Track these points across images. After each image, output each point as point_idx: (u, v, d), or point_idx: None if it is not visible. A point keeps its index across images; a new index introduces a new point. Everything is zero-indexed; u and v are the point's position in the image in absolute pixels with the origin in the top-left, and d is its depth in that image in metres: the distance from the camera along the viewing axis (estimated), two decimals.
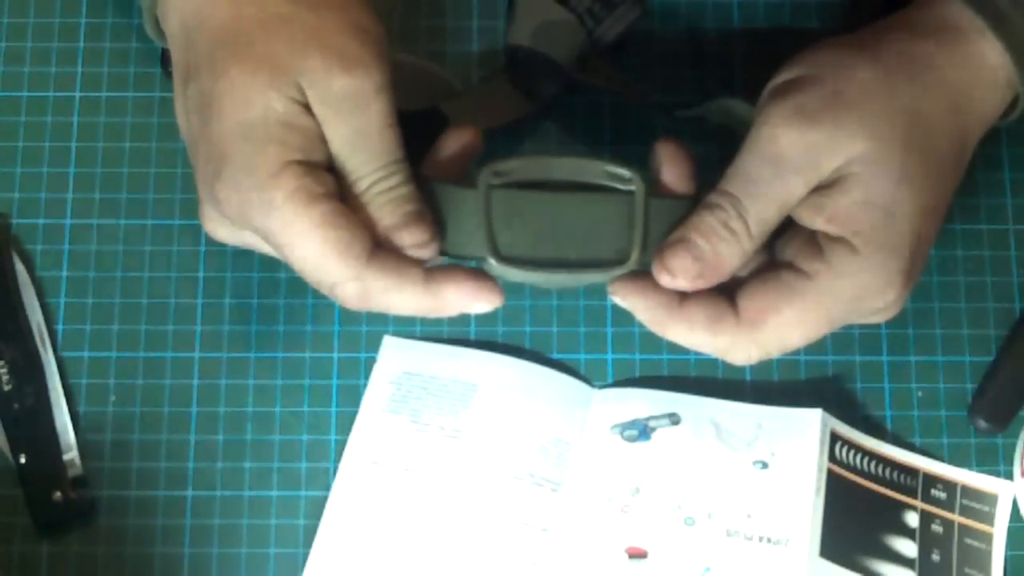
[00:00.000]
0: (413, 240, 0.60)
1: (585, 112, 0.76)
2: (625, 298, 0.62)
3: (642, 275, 0.61)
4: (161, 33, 0.64)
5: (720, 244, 0.60)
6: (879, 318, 0.63)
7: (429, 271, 0.61)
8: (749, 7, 0.78)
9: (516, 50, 0.73)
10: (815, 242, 0.61)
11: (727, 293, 0.62)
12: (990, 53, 0.62)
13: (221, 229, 0.63)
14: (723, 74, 0.77)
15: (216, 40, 0.60)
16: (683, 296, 0.61)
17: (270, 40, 0.59)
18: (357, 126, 0.59)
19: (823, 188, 0.60)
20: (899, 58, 0.61)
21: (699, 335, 0.61)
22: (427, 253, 0.61)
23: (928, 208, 0.61)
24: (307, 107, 0.59)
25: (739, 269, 0.61)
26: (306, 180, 0.58)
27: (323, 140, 0.60)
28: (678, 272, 0.60)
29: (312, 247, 0.59)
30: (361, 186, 0.60)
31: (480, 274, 0.61)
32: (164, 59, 0.76)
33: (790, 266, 0.61)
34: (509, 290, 0.62)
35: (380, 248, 0.60)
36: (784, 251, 0.63)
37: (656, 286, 0.61)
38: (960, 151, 0.62)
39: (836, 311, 0.61)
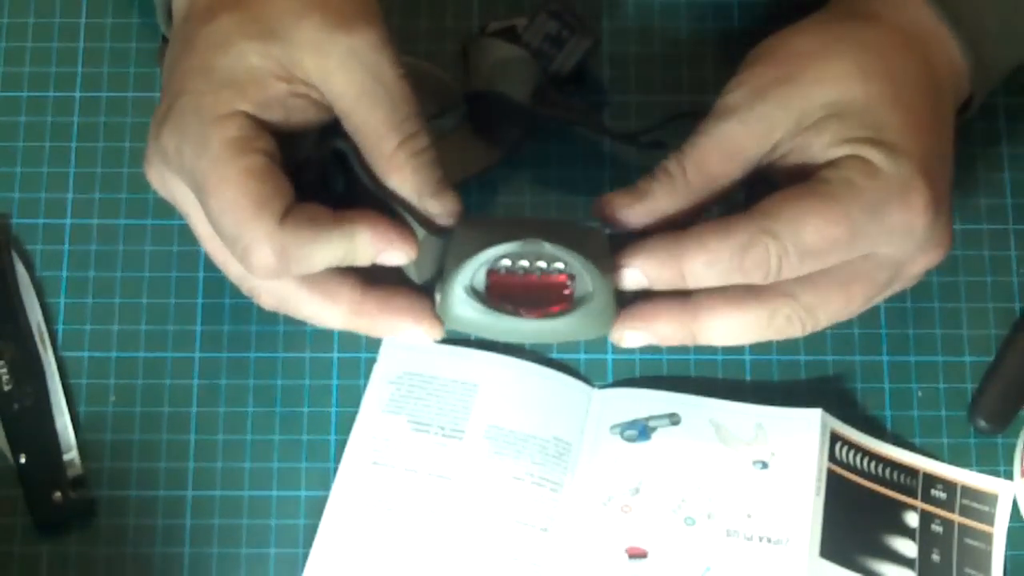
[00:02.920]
0: (447, 208, 0.60)
1: (559, 162, 0.76)
2: (631, 259, 0.60)
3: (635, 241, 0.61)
4: (170, 22, 0.65)
5: (653, 183, 0.61)
6: (927, 257, 0.62)
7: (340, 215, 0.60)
8: (725, 7, 0.79)
9: (475, 96, 0.73)
10: (828, 163, 0.60)
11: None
12: (930, 15, 0.63)
13: (155, 172, 0.62)
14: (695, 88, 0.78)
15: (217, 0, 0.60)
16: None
17: (270, 1, 0.59)
18: (370, 77, 0.59)
19: (799, 136, 0.60)
20: (840, 14, 0.63)
21: (712, 240, 0.59)
22: (454, 221, 0.61)
23: (918, 124, 0.60)
24: (285, 72, 0.59)
25: (673, 211, 0.61)
26: (248, 132, 0.58)
27: (285, 108, 0.59)
28: (612, 201, 0.61)
29: (231, 195, 0.57)
30: (389, 144, 0.59)
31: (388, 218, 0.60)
32: (162, 56, 0.76)
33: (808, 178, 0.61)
34: None
35: (294, 209, 0.58)
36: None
37: (665, 209, 0.61)
38: (929, 79, 0.62)
39: (857, 213, 0.59)
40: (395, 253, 0.60)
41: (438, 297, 0.61)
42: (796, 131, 0.60)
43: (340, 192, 0.62)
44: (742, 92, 0.61)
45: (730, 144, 0.61)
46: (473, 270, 0.60)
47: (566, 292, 0.60)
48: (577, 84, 0.75)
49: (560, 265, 0.60)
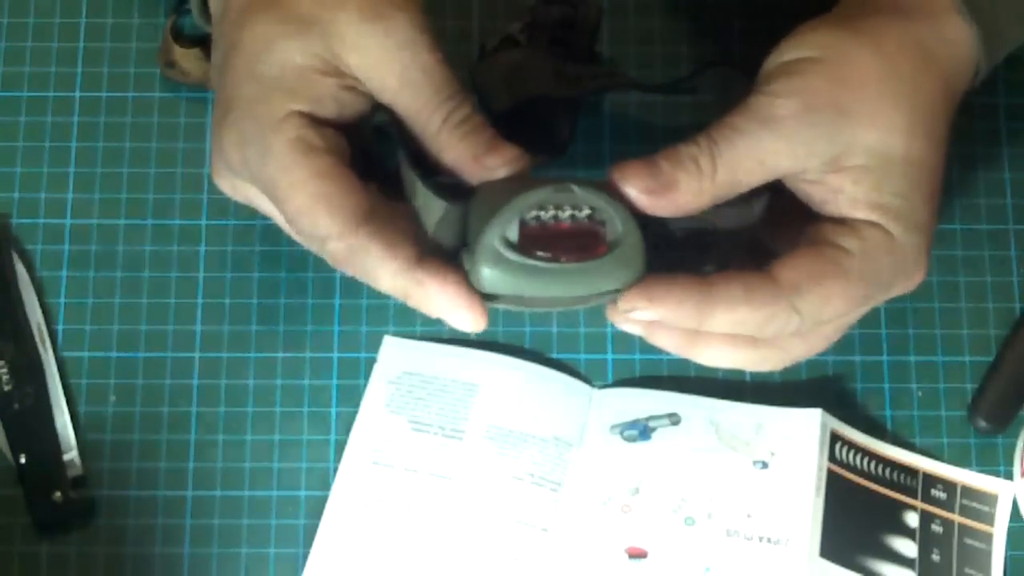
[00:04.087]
0: (506, 157, 0.59)
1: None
2: (651, 300, 0.59)
3: (659, 276, 0.59)
4: (208, 18, 0.65)
5: (679, 171, 0.59)
6: (898, 293, 0.63)
7: (422, 258, 0.58)
8: None
9: (510, 115, 0.72)
10: (848, 223, 0.60)
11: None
12: (963, 29, 0.62)
13: (226, 183, 0.63)
14: (720, 44, 0.78)
15: None
16: (710, 278, 0.59)
17: None
18: (411, 62, 0.59)
19: (834, 173, 0.60)
20: (898, 44, 0.61)
21: (741, 307, 0.58)
22: (522, 165, 0.59)
23: (936, 185, 0.61)
24: (330, 67, 0.59)
25: (693, 210, 0.59)
26: (307, 131, 0.58)
27: (337, 102, 0.59)
28: (628, 174, 0.59)
29: (303, 198, 0.58)
30: (435, 123, 0.59)
31: (468, 284, 0.58)
32: (161, 55, 0.76)
33: (828, 243, 0.60)
34: None
35: (377, 216, 0.58)
36: (818, 232, 0.61)
37: (680, 278, 0.59)
38: (950, 126, 0.63)
39: (872, 289, 0.60)
40: (460, 313, 0.58)
41: (467, 266, 0.59)
42: (832, 166, 0.60)
43: (393, 171, 0.62)
44: (793, 104, 0.59)
45: (766, 155, 0.59)
46: (507, 221, 0.58)
47: (601, 233, 0.58)
48: (589, 58, 0.75)
49: (588, 211, 0.59)
